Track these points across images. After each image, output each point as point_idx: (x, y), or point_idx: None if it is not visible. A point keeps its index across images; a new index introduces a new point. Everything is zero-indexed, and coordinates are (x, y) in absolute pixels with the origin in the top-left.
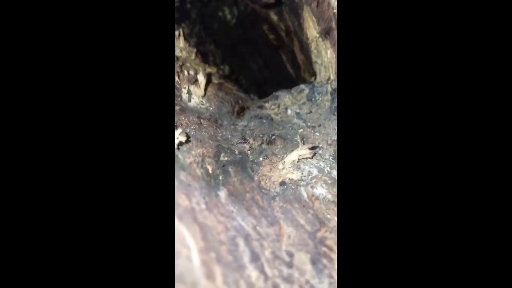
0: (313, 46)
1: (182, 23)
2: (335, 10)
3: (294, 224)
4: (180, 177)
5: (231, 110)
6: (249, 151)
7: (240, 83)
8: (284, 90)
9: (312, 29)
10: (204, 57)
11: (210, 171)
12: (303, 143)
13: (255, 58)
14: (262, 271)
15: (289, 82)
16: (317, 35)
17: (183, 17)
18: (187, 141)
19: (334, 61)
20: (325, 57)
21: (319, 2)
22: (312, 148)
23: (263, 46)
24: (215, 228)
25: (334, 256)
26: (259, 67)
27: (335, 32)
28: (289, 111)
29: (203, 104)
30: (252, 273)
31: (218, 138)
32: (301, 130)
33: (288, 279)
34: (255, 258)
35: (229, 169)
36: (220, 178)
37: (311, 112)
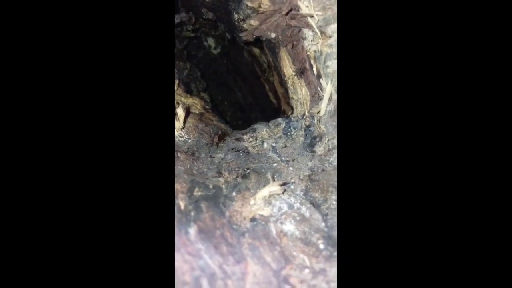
0: (289, 83)
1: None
2: (308, 53)
3: (260, 261)
4: None
5: (210, 142)
6: (223, 185)
7: (223, 112)
8: (262, 123)
9: (288, 68)
10: (187, 86)
11: (182, 207)
12: (274, 179)
13: (239, 86)
14: None
15: (273, 110)
16: (293, 73)
17: None
18: None
19: (308, 98)
20: (300, 94)
21: (293, 45)
22: (283, 184)
23: (247, 75)
24: (180, 269)
25: None
26: (243, 95)
27: (309, 72)
28: (265, 145)
29: (181, 137)
30: None
31: (194, 172)
32: (275, 164)
33: None
34: None
35: (202, 204)
36: (192, 214)
37: (286, 146)
